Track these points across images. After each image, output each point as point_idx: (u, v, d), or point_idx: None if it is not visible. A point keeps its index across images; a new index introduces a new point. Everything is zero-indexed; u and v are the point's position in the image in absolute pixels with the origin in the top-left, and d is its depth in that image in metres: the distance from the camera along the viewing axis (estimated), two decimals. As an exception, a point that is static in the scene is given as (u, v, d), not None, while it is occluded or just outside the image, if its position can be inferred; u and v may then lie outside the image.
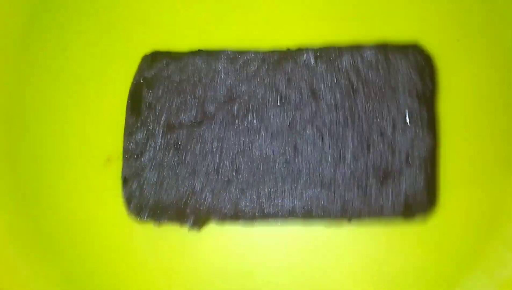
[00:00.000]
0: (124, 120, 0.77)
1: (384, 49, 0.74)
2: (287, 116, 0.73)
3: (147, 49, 0.78)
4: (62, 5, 0.85)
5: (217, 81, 0.75)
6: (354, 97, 0.73)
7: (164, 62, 0.76)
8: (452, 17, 0.80)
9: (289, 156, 0.73)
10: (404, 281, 0.75)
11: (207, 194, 0.73)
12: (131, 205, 0.74)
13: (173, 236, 0.78)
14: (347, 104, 0.73)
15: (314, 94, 0.73)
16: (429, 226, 0.75)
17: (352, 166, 0.72)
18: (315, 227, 0.77)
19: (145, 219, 0.74)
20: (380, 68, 0.73)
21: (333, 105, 0.73)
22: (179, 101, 0.75)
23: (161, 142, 0.75)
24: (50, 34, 0.84)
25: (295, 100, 0.74)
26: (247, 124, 0.74)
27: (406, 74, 0.73)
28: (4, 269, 0.79)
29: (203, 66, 0.75)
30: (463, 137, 0.77)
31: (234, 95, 0.75)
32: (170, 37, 0.82)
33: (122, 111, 0.77)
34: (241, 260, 0.77)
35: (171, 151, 0.74)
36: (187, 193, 0.73)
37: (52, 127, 0.82)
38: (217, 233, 0.78)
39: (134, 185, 0.74)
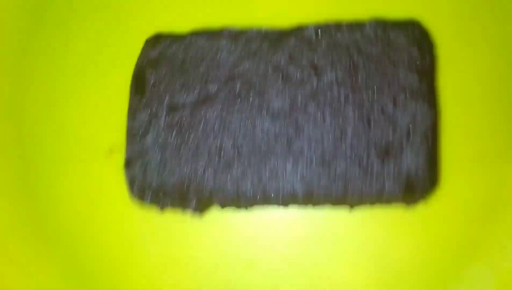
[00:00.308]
0: (126, 111, 0.77)
1: (383, 24, 0.74)
2: (289, 94, 0.73)
3: (149, 33, 0.79)
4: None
5: (219, 60, 0.75)
6: (355, 73, 0.73)
7: (168, 42, 0.76)
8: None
9: (291, 135, 0.73)
10: (404, 270, 0.74)
11: (209, 175, 0.73)
12: (134, 187, 0.74)
13: (175, 225, 0.78)
14: (348, 80, 0.73)
15: (316, 70, 0.73)
16: (429, 214, 0.75)
17: (353, 143, 0.71)
18: (317, 215, 0.77)
19: (148, 202, 0.74)
20: (379, 44, 0.73)
21: (334, 81, 0.73)
22: (182, 80, 0.75)
23: (164, 122, 0.75)
24: (52, 20, 0.85)
25: (297, 77, 0.74)
26: (249, 102, 0.74)
27: (406, 49, 0.73)
28: (6, 259, 0.79)
29: (206, 44, 0.76)
30: (464, 116, 0.77)
31: (236, 74, 0.75)
32: (172, 19, 0.82)
33: (125, 102, 0.77)
34: (242, 249, 0.77)
35: (174, 131, 0.74)
36: (190, 174, 0.73)
37: (54, 117, 0.82)
38: (218, 222, 0.78)
39: (137, 167, 0.74)
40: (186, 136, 0.74)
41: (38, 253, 0.79)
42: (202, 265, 0.77)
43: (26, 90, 0.83)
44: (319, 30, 0.74)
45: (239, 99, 0.74)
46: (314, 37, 0.74)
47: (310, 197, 0.72)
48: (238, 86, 0.74)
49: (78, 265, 0.79)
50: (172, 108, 0.75)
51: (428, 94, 0.72)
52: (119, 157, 0.78)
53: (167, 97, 0.75)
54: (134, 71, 0.77)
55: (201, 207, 0.75)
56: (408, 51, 0.73)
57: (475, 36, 0.79)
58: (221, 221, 0.78)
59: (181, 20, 0.81)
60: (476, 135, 0.76)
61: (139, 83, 0.76)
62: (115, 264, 0.78)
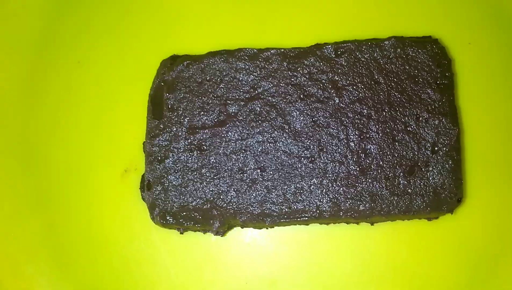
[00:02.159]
0: (141, 131, 0.76)
1: (402, 42, 0.74)
2: (310, 112, 0.73)
3: (165, 55, 0.78)
4: (79, 12, 0.85)
5: (238, 80, 0.75)
6: (376, 91, 0.73)
7: (185, 63, 0.76)
8: (464, 14, 0.81)
9: (314, 152, 0.72)
10: (428, 284, 0.74)
11: (233, 193, 0.72)
12: (156, 210, 0.73)
13: (194, 246, 0.77)
14: (369, 97, 0.73)
15: (337, 89, 0.73)
16: (453, 228, 0.75)
17: (378, 161, 0.71)
18: (339, 231, 0.76)
19: (171, 224, 0.73)
20: (399, 61, 0.73)
21: (356, 98, 0.73)
22: (201, 102, 0.75)
23: (184, 144, 0.74)
24: (67, 42, 0.84)
25: (317, 95, 0.74)
26: (270, 122, 0.73)
27: (425, 66, 0.73)
28: (23, 283, 0.78)
29: (224, 65, 0.75)
30: (487, 130, 0.77)
31: (256, 93, 0.74)
32: (189, 41, 0.82)
33: (139, 123, 0.77)
34: (265, 268, 0.77)
35: (195, 153, 0.74)
36: (212, 196, 0.73)
37: (70, 139, 0.81)
38: (239, 240, 0.77)
39: (158, 189, 0.73)
40: (207, 158, 0.74)
41: (54, 274, 0.78)
42: (224, 285, 0.76)
43: (42, 111, 0.82)
44: (338, 47, 0.74)
45: (260, 120, 0.74)
46: (333, 55, 0.74)
47: (336, 215, 0.71)
48: (258, 106, 0.74)
49: (93, 287, 0.77)
50: (192, 131, 0.74)
51: (449, 110, 0.72)
52: (134, 177, 0.77)
53: (186, 120, 0.75)
54: (150, 94, 0.77)
55: (223, 228, 0.74)
56: (428, 67, 0.73)
57: (491, 50, 0.80)
58: (242, 240, 0.77)
59: (198, 41, 0.81)
60: (499, 149, 0.77)
61: (156, 106, 0.76)
62: (134, 287, 0.77)
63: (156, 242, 0.78)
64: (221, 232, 0.75)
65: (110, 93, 0.82)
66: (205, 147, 0.74)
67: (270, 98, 0.74)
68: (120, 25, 0.84)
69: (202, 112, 0.75)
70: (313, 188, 0.72)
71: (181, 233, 0.77)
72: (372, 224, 0.75)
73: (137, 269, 0.77)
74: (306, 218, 0.72)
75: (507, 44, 0.80)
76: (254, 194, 0.72)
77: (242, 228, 0.77)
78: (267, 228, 0.77)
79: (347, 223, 0.75)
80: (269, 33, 0.81)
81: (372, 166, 0.71)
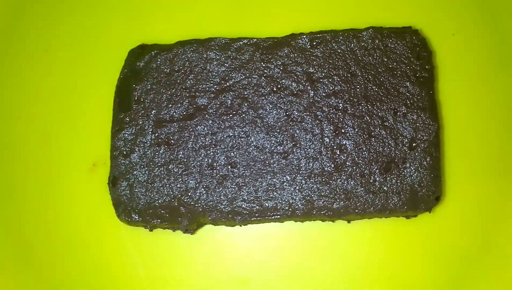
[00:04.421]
0: (110, 124, 0.73)
1: (381, 32, 0.72)
2: (284, 105, 0.71)
3: (136, 44, 0.75)
4: (43, 2, 0.82)
5: (208, 71, 0.72)
6: (352, 84, 0.70)
7: (153, 53, 0.73)
8: (446, 5, 0.79)
9: (287, 147, 0.70)
10: (406, 283, 0.73)
11: (202, 190, 0.70)
12: (121, 207, 0.71)
13: (164, 243, 0.75)
14: (345, 91, 0.70)
15: (311, 80, 0.71)
16: (431, 226, 0.73)
17: (353, 157, 0.69)
18: (313, 228, 0.74)
19: (136, 221, 0.71)
20: (377, 52, 0.71)
21: (331, 91, 0.70)
22: (169, 94, 0.72)
23: (151, 138, 0.71)
24: (33, 31, 0.81)
25: (291, 88, 0.71)
26: (241, 116, 0.71)
27: (404, 58, 0.71)
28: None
29: (194, 55, 0.73)
30: (467, 126, 0.75)
31: (227, 85, 0.72)
32: (159, 30, 0.79)
33: (108, 115, 0.74)
34: (237, 266, 0.75)
35: (162, 147, 0.71)
36: (181, 191, 0.70)
37: (35, 130, 0.79)
38: (210, 238, 0.75)
39: (124, 185, 0.71)
40: (175, 153, 0.71)
41: (17, 271, 0.75)
42: (195, 284, 0.74)
43: (7, 104, 0.79)
44: (313, 38, 0.72)
45: (231, 113, 0.71)
46: (308, 45, 0.71)
47: (310, 214, 0.69)
48: (229, 99, 0.71)
49: (60, 284, 0.75)
50: (159, 124, 0.72)
51: (429, 104, 0.70)
52: (103, 172, 0.75)
53: (153, 112, 0.72)
54: (117, 84, 0.74)
55: (193, 226, 0.71)
56: (407, 60, 0.71)
57: (476, 41, 0.77)
58: (214, 237, 0.75)
59: (168, 30, 0.78)
60: (480, 146, 0.75)
61: (123, 97, 0.73)
62: (100, 282, 0.75)
63: (124, 239, 0.75)
64: (190, 230, 0.73)
65: (79, 83, 0.79)
66: (173, 142, 0.71)
67: (242, 90, 0.71)
68: (90, 12, 0.81)
69: (170, 105, 0.72)
70: (285, 185, 0.69)
71: (150, 230, 0.74)
72: (348, 221, 0.73)
73: (105, 267, 0.75)
74: (278, 216, 0.69)
75: (492, 35, 0.77)
76: (224, 191, 0.70)
77: (215, 225, 0.75)
78: (240, 226, 0.75)
79: (323, 221, 0.73)
80: (243, 22, 0.78)
81: (347, 163, 0.69)
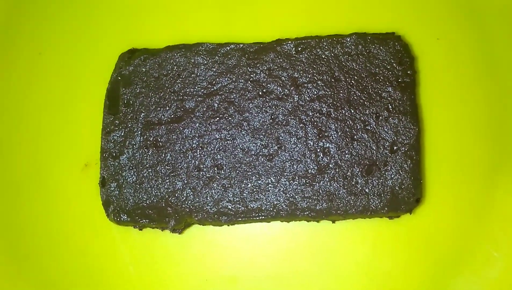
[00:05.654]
0: (100, 125, 0.75)
1: (364, 38, 0.73)
2: (269, 109, 0.72)
3: (126, 48, 0.77)
4: (40, 3, 0.83)
5: (196, 76, 0.73)
6: (336, 88, 0.72)
7: (142, 58, 0.74)
8: (431, 10, 0.79)
9: (272, 150, 0.71)
10: (389, 282, 0.73)
11: (189, 191, 0.71)
12: (110, 207, 0.72)
13: (154, 242, 0.76)
14: (329, 95, 0.72)
15: (296, 85, 0.72)
16: (414, 226, 0.74)
17: (336, 159, 0.70)
18: (300, 228, 0.75)
19: (125, 221, 0.72)
20: (360, 58, 0.72)
21: (315, 95, 0.72)
22: (157, 97, 0.73)
23: (139, 140, 0.73)
24: (24, 35, 0.82)
25: (277, 92, 0.72)
26: (228, 119, 0.72)
27: (387, 63, 0.72)
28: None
29: (182, 60, 0.74)
30: (448, 130, 0.76)
31: (214, 89, 0.73)
32: (148, 35, 0.80)
33: (100, 116, 0.75)
34: (225, 265, 0.75)
35: (150, 149, 0.72)
36: (168, 192, 0.71)
37: (29, 131, 0.79)
38: (199, 238, 0.76)
39: (113, 186, 0.72)
40: (163, 154, 0.72)
41: (10, 270, 0.76)
42: (184, 283, 0.75)
43: (0, 103, 0.80)
44: (298, 43, 0.73)
45: (218, 116, 0.72)
46: (293, 51, 0.73)
47: (293, 214, 0.70)
48: (216, 102, 0.73)
49: (52, 284, 0.76)
50: (148, 126, 0.73)
51: (410, 109, 0.71)
52: (95, 172, 0.76)
53: (142, 115, 0.73)
54: (107, 88, 0.75)
55: (180, 226, 0.73)
56: (389, 65, 0.72)
57: (461, 46, 0.78)
58: (203, 236, 0.76)
59: (158, 35, 0.80)
60: (460, 149, 0.75)
61: (113, 101, 0.74)
62: (92, 282, 0.76)
63: (115, 238, 0.76)
64: (178, 230, 0.74)
65: (71, 85, 0.80)
66: (161, 144, 0.72)
67: (228, 94, 0.73)
68: (83, 17, 0.82)
69: (159, 108, 0.73)
70: (270, 186, 0.71)
71: (140, 229, 0.75)
72: (333, 222, 0.74)
73: (96, 266, 0.76)
74: (263, 217, 0.71)
75: (476, 40, 0.78)
76: (210, 192, 0.71)
77: (202, 225, 0.76)
78: (228, 225, 0.76)
79: (308, 221, 0.74)
80: (230, 28, 0.79)
81: (330, 165, 0.70)
